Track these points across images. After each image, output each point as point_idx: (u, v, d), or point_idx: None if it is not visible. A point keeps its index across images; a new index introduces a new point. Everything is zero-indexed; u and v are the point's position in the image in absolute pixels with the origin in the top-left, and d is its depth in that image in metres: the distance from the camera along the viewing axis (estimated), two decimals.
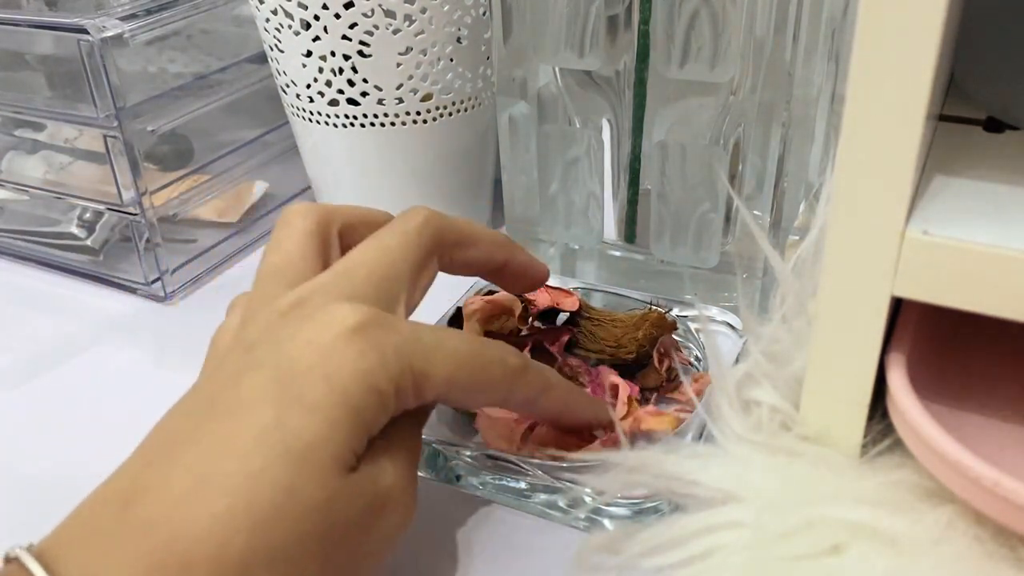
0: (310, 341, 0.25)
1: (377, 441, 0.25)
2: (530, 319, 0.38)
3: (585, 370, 0.36)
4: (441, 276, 0.31)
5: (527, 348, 0.36)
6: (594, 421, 0.32)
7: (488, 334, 0.38)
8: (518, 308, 0.38)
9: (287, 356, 0.25)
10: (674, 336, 0.37)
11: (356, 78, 0.43)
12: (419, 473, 0.33)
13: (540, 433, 0.32)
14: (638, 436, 0.33)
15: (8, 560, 0.22)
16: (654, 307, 0.38)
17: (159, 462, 0.24)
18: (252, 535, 0.22)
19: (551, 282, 0.37)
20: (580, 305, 0.38)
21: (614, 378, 0.35)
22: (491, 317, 0.38)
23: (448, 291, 0.38)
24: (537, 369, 0.30)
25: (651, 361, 0.36)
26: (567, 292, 0.38)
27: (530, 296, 0.38)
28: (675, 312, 0.39)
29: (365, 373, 0.24)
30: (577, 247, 0.45)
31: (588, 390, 0.34)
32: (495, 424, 0.32)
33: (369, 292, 0.27)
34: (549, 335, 0.37)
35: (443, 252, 0.31)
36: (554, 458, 0.31)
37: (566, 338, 0.37)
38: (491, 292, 0.40)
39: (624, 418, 0.33)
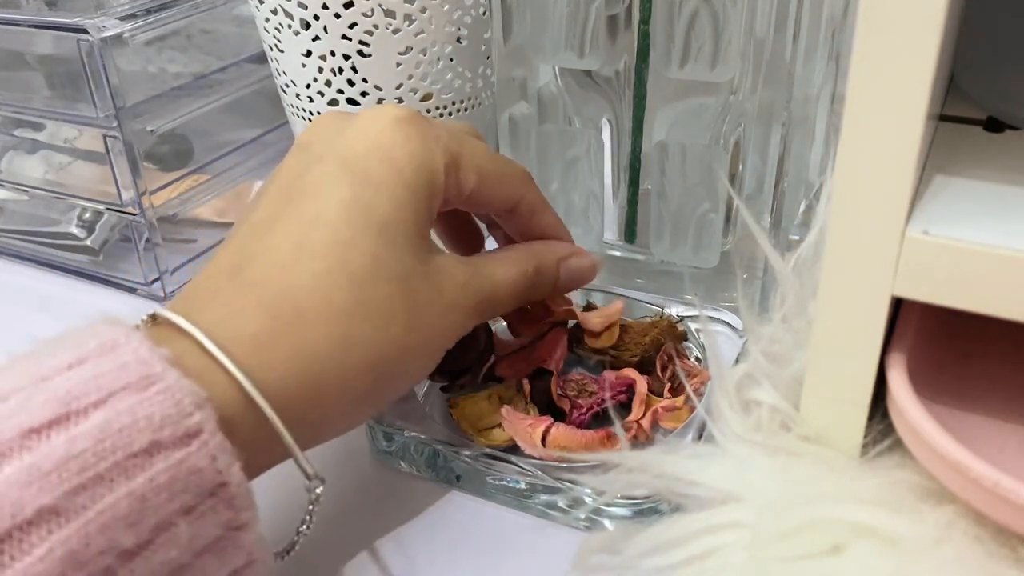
0: (361, 131, 0.29)
1: (467, 258, 0.31)
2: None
3: (590, 380, 0.36)
4: None
5: (525, 373, 0.36)
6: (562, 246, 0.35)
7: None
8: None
9: (343, 145, 0.28)
10: (684, 341, 0.37)
11: (356, 78, 0.43)
12: (418, 473, 0.34)
13: (557, 435, 0.32)
14: (656, 432, 0.33)
15: (156, 321, 0.26)
16: (665, 315, 0.38)
17: (255, 238, 0.27)
18: (350, 291, 0.26)
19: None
20: (588, 307, 0.38)
21: (630, 373, 0.35)
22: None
23: None
24: (536, 185, 0.34)
25: (654, 368, 0.36)
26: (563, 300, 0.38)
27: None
28: (676, 312, 0.39)
29: (414, 155, 0.28)
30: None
31: (598, 396, 0.34)
32: (517, 427, 0.32)
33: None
34: (544, 350, 0.37)
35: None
36: (556, 458, 0.31)
37: (564, 343, 0.36)
38: None
39: (642, 417, 0.33)
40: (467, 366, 0.35)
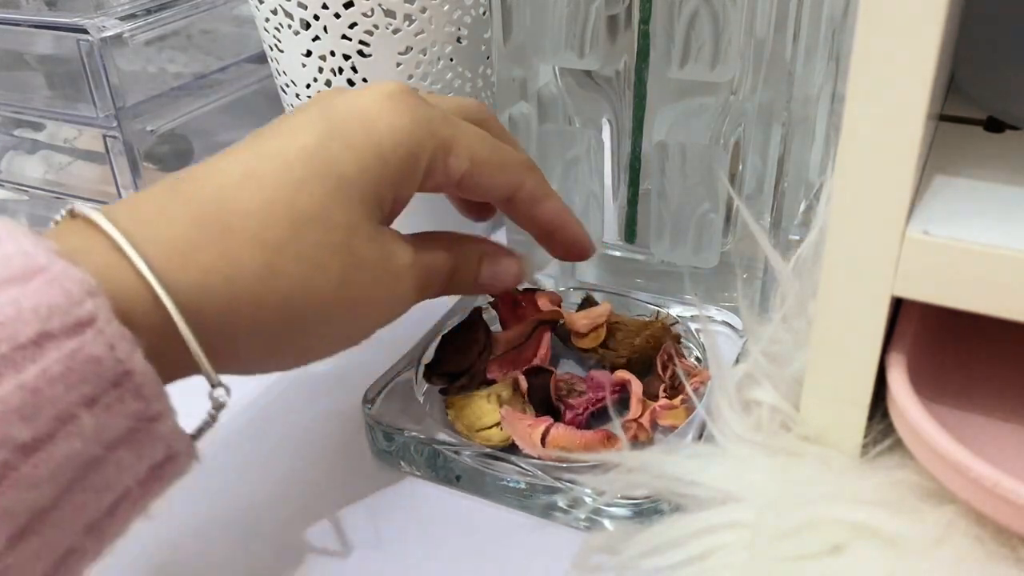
0: (355, 95, 0.29)
1: (410, 238, 0.30)
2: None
3: (579, 379, 0.36)
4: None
5: (518, 368, 0.36)
6: (578, 241, 0.35)
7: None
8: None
9: (334, 102, 0.28)
10: (678, 344, 0.37)
11: (356, 78, 0.43)
12: (418, 473, 0.34)
13: (556, 435, 0.32)
14: (656, 430, 0.33)
15: (73, 215, 0.24)
16: (661, 315, 0.38)
17: (209, 163, 0.27)
18: (288, 227, 0.26)
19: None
20: (587, 302, 0.38)
21: (623, 374, 0.35)
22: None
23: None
24: (540, 172, 0.33)
25: (654, 368, 0.36)
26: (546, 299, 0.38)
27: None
28: (676, 312, 0.39)
29: (397, 130, 0.28)
30: None
31: (589, 395, 0.34)
32: (516, 427, 0.32)
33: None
34: (530, 350, 0.37)
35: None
36: (556, 458, 0.31)
37: (547, 340, 0.36)
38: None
39: (640, 415, 0.33)
40: (466, 367, 0.35)
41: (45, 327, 0.20)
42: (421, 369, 0.36)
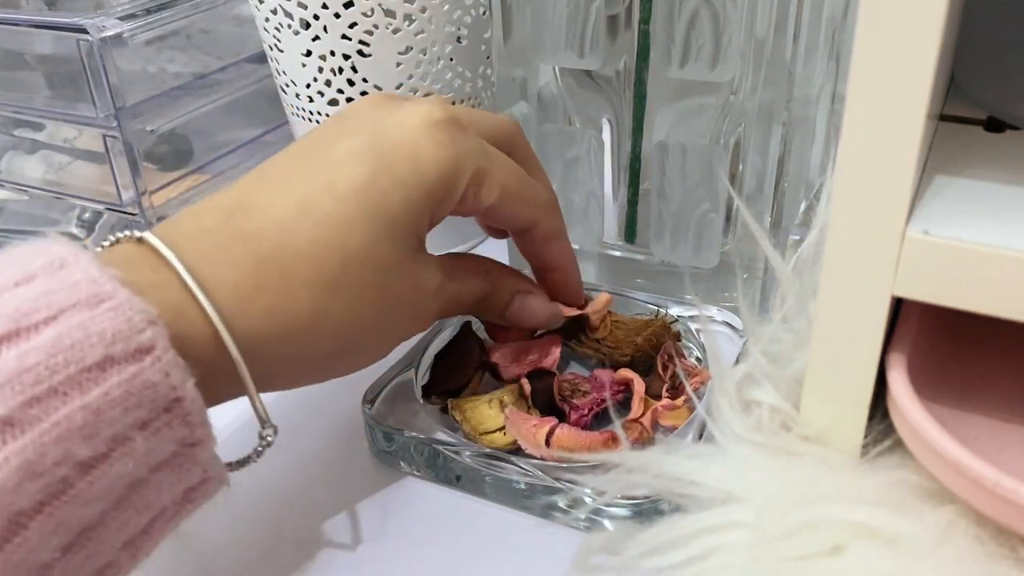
0: (400, 121, 0.29)
1: (435, 258, 0.31)
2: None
3: (582, 379, 0.36)
4: None
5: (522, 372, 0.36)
6: (573, 288, 0.36)
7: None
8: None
9: (380, 128, 0.29)
10: (678, 343, 0.37)
11: (356, 78, 0.43)
12: (418, 473, 0.34)
13: (561, 436, 0.32)
14: (657, 430, 0.34)
15: (138, 240, 0.26)
16: (661, 314, 0.38)
17: (261, 190, 0.28)
18: (340, 268, 0.27)
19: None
20: (584, 302, 0.38)
21: (626, 373, 0.35)
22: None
23: None
24: (560, 213, 0.35)
25: (655, 367, 0.36)
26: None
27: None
28: (676, 312, 0.39)
29: (441, 162, 0.29)
30: (577, 247, 0.45)
31: (593, 396, 0.34)
32: (521, 428, 0.32)
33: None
34: (538, 353, 0.37)
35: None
36: (557, 458, 0.31)
37: (557, 352, 0.37)
38: None
39: (642, 415, 0.33)
40: (464, 383, 0.35)
41: (109, 351, 0.21)
42: (419, 389, 0.36)
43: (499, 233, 0.37)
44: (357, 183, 0.28)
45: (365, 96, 0.32)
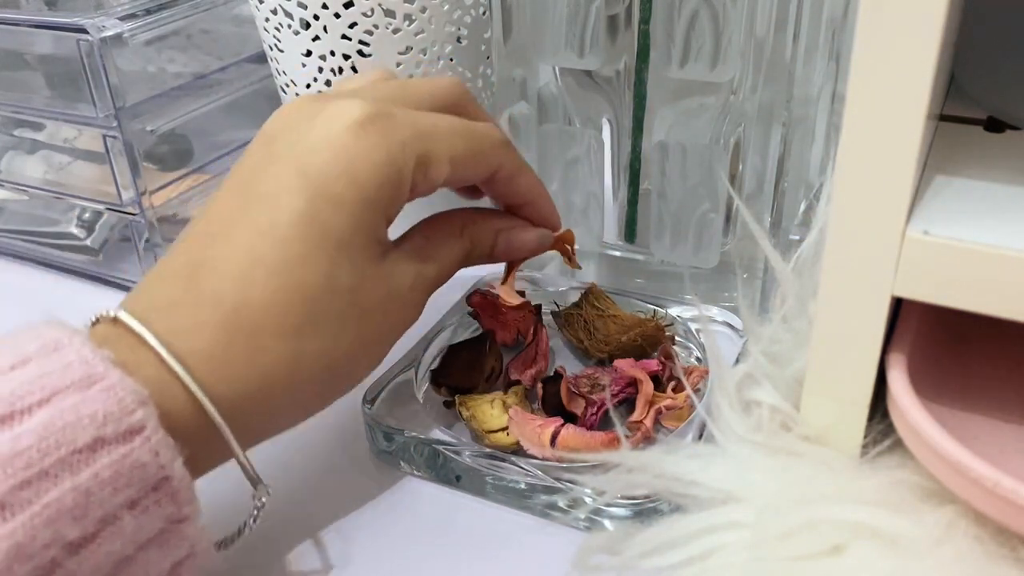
0: (324, 134, 0.28)
1: (404, 247, 0.30)
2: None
3: (602, 373, 0.36)
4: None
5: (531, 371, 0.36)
6: (549, 215, 0.35)
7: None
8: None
9: (304, 146, 0.28)
10: (672, 344, 0.37)
11: None
12: (418, 473, 0.34)
13: (566, 436, 0.32)
14: (660, 431, 0.34)
15: (114, 320, 0.26)
16: (659, 315, 0.38)
17: (211, 242, 0.27)
18: (303, 308, 0.26)
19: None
20: (591, 291, 0.38)
21: (636, 372, 0.35)
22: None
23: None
24: (514, 147, 0.33)
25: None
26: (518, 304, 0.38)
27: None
28: (675, 312, 0.39)
29: (378, 166, 0.28)
30: (577, 247, 0.45)
31: (612, 388, 0.34)
32: (525, 428, 0.32)
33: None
34: (537, 347, 0.37)
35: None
36: (557, 458, 0.31)
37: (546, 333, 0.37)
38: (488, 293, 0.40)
39: (644, 417, 0.33)
40: (473, 386, 0.35)
41: (100, 433, 0.22)
42: (427, 374, 0.36)
43: (470, 192, 0.36)
44: (296, 218, 0.27)
45: (287, 104, 0.30)
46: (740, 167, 0.39)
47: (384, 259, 0.29)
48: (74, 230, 0.51)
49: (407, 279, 0.30)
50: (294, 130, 0.29)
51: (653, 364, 0.35)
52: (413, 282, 0.30)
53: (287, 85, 0.46)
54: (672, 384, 0.35)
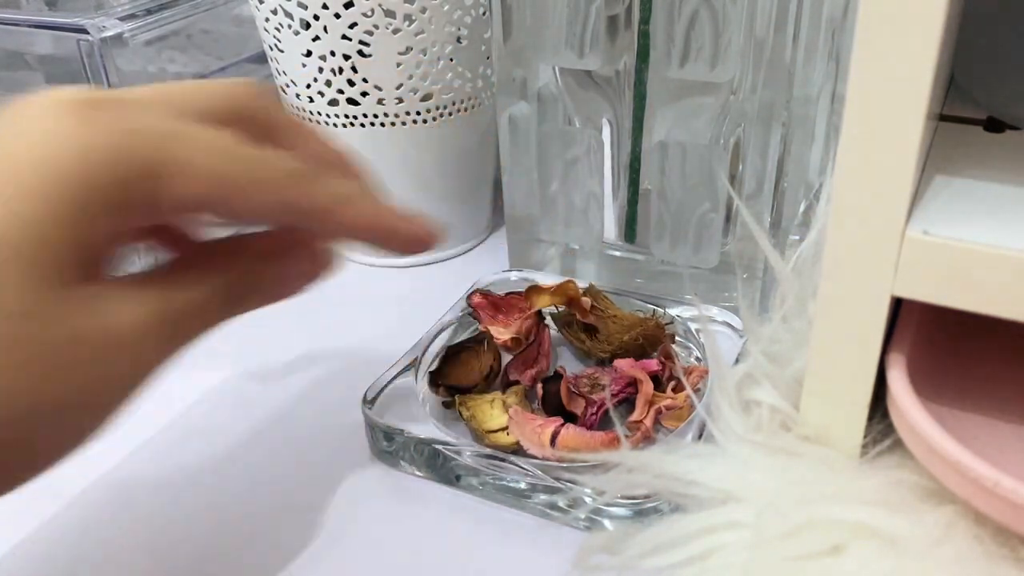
0: (14, 115, 0.21)
1: (136, 276, 0.23)
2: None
3: (602, 373, 0.36)
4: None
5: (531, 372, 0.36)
6: (411, 238, 0.27)
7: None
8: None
9: None
10: (672, 343, 0.37)
11: (356, 78, 0.43)
12: (418, 473, 0.34)
13: (567, 436, 0.32)
14: (659, 431, 0.34)
15: None
16: (657, 315, 0.38)
17: None
18: None
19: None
20: (592, 294, 0.38)
21: (635, 372, 0.35)
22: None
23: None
24: (334, 179, 0.25)
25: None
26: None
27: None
28: (675, 312, 0.39)
29: (77, 161, 0.20)
30: (577, 247, 0.45)
31: (612, 388, 0.34)
32: (525, 428, 0.32)
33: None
34: (538, 347, 0.37)
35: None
36: (557, 458, 0.31)
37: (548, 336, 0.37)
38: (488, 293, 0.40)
39: (644, 417, 0.33)
40: (471, 387, 0.35)
41: None
42: (425, 376, 0.36)
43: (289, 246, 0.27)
44: None
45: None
46: (740, 167, 0.39)
47: (88, 287, 0.21)
48: None
49: (131, 316, 0.22)
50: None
51: (653, 364, 0.35)
52: (145, 318, 0.22)
53: (287, 85, 0.46)
54: (672, 384, 0.35)
